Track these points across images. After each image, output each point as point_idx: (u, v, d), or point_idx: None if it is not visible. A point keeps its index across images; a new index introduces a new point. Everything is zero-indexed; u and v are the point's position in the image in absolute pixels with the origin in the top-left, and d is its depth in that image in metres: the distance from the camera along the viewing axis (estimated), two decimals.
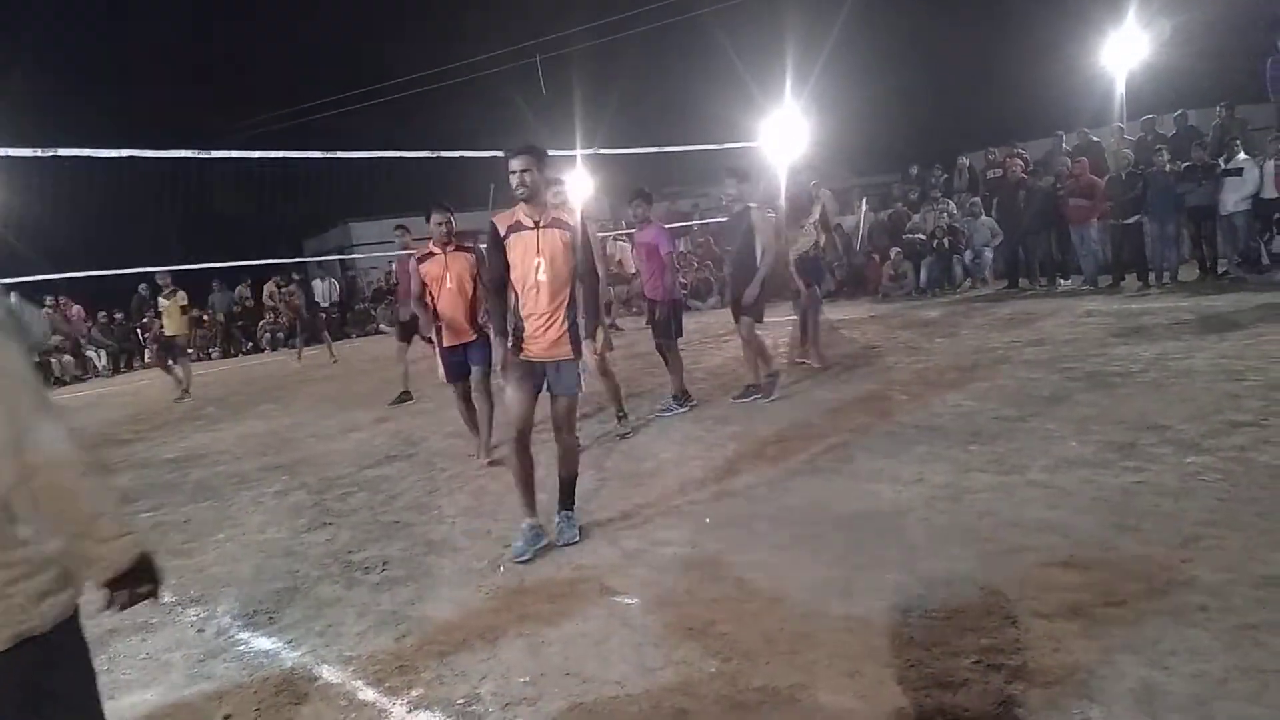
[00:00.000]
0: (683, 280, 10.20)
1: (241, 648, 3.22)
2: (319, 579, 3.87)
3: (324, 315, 17.38)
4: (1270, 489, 3.45)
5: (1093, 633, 2.51)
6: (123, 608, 1.64)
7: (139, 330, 18.88)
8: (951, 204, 14.67)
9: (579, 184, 13.49)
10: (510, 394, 3.84)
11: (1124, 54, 13.76)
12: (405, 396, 8.59)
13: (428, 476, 5.52)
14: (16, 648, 1.39)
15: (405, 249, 8.95)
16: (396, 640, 3.10)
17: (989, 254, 13.54)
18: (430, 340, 6.00)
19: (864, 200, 16.13)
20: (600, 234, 5.43)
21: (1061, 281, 11.95)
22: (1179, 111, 12.75)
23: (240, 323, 20.10)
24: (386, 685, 2.77)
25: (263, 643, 3.24)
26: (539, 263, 3.75)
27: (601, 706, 2.48)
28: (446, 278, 5.49)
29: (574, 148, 13.00)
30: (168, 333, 11.62)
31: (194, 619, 3.57)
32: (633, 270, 12.46)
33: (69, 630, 1.54)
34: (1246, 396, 4.86)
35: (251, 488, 5.85)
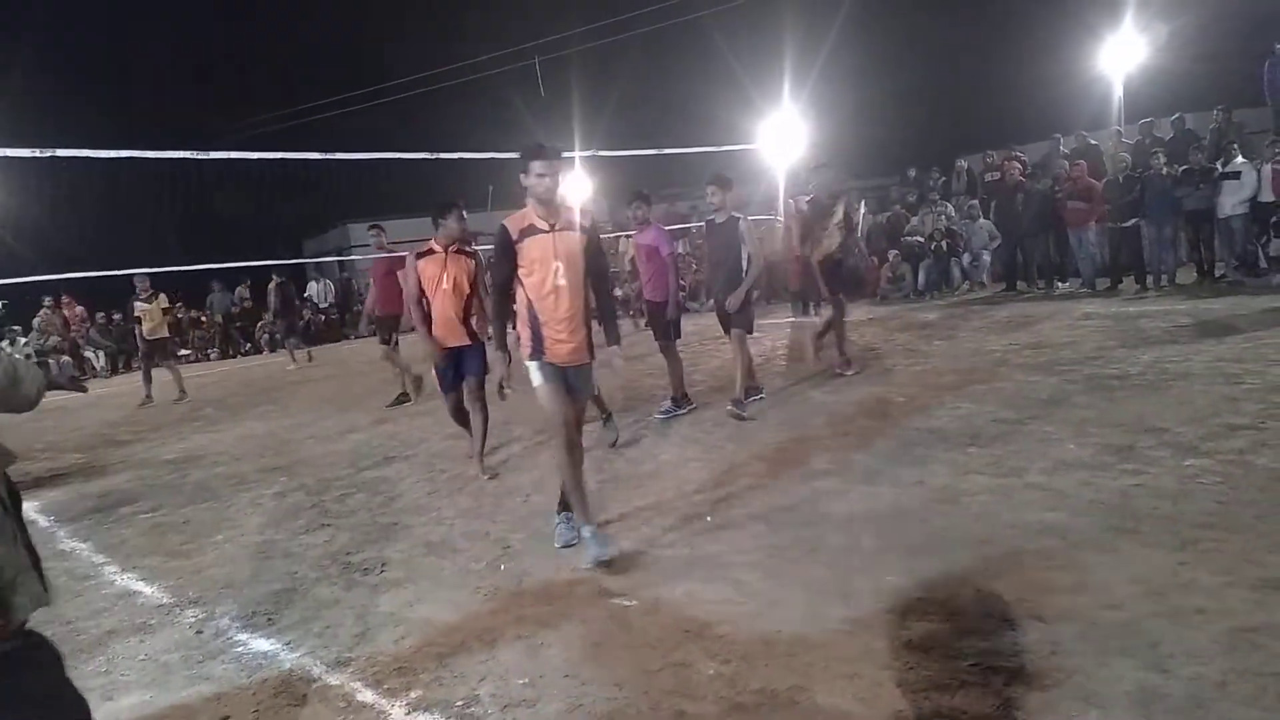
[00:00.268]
0: (682, 282, 10.19)
1: (240, 649, 3.22)
2: (317, 580, 3.87)
3: (302, 315, 17.27)
4: (1268, 492, 3.45)
5: (1091, 635, 2.51)
6: None
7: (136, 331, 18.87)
8: (950, 206, 14.70)
9: (578, 186, 13.49)
10: (549, 401, 3.67)
11: (1121, 57, 13.83)
12: (404, 398, 8.59)
13: (427, 478, 5.52)
14: None
15: (380, 250, 8.89)
16: (395, 642, 3.10)
17: (987, 256, 13.57)
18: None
19: (862, 203, 16.13)
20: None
21: (1059, 284, 11.98)
22: (1176, 115, 12.78)
23: (239, 324, 20.10)
24: (385, 687, 2.77)
25: (261, 644, 3.24)
26: (557, 266, 3.63)
27: (600, 708, 2.48)
28: (444, 278, 5.29)
29: (572, 149, 13.00)
30: (149, 336, 11.40)
31: (192, 620, 3.56)
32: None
33: None
34: (1244, 400, 4.87)
35: (250, 489, 5.85)
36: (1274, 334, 6.64)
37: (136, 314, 11.45)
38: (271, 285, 15.32)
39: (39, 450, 8.56)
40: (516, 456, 5.85)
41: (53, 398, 12.37)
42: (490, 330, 3.92)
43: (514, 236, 3.64)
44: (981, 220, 13.51)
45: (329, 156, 8.73)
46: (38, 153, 6.50)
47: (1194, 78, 14.55)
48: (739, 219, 6.24)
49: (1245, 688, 2.17)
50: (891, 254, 13.95)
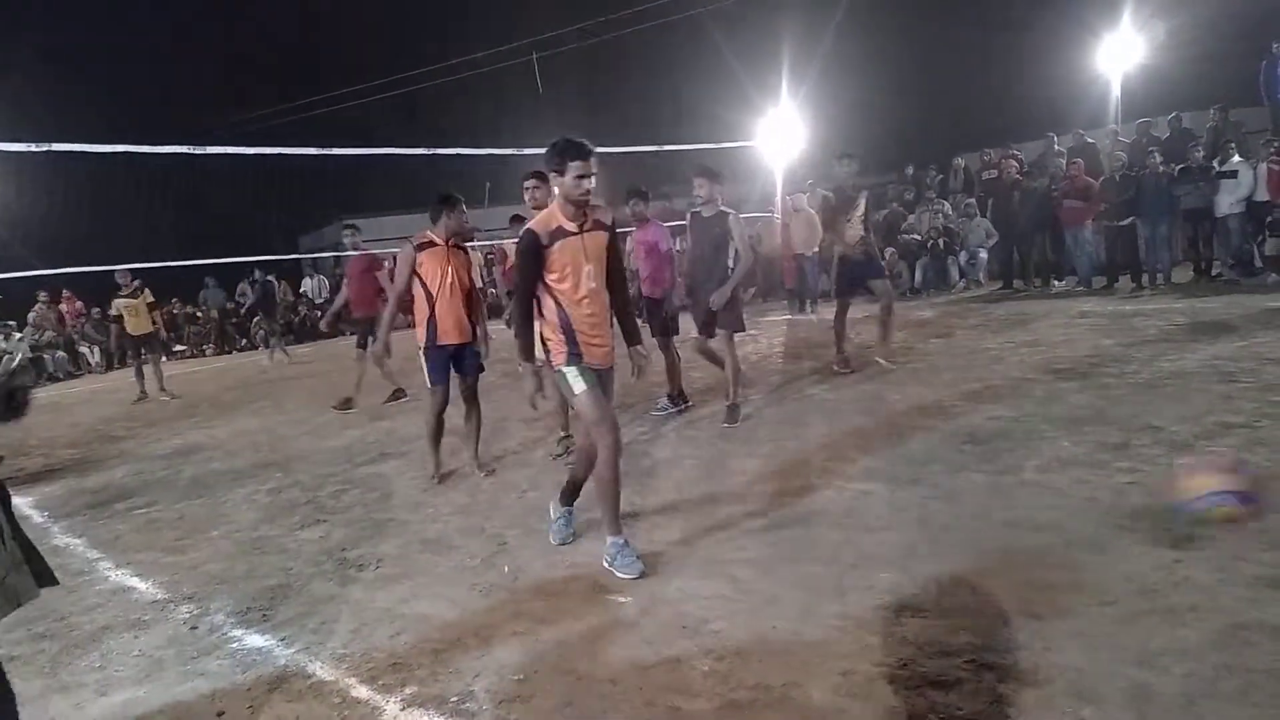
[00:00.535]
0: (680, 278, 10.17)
1: (235, 645, 3.22)
2: (312, 576, 3.86)
3: (297, 312, 17.20)
4: (1262, 491, 3.46)
5: (1084, 632, 2.52)
6: None
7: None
8: (947, 205, 14.70)
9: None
10: (595, 407, 3.44)
11: (1119, 56, 13.83)
12: (399, 394, 8.54)
13: (422, 474, 5.50)
14: None
15: (354, 249, 8.83)
16: (390, 638, 3.10)
17: (984, 255, 13.59)
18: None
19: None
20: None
21: (1056, 283, 12.00)
22: (1173, 114, 12.80)
23: (234, 320, 20.05)
24: (380, 683, 2.77)
25: (256, 640, 3.24)
26: (589, 269, 3.47)
27: (595, 704, 2.48)
28: (448, 272, 5.12)
29: None
30: (134, 332, 11.17)
31: (187, 616, 3.56)
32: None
33: None
34: (1239, 398, 4.88)
35: (245, 485, 5.84)
36: (1269, 333, 6.66)
37: (116, 310, 11.25)
38: (245, 283, 15.21)
39: (33, 446, 8.54)
40: (511, 453, 5.85)
41: (47, 392, 12.31)
42: (513, 335, 3.66)
43: (544, 240, 3.40)
44: (978, 218, 13.52)
45: (326, 152, 8.69)
46: (33, 147, 6.47)
47: (1191, 77, 14.54)
48: (728, 214, 5.91)
49: (1236, 684, 2.18)
50: (888, 252, 13.93)
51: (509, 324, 3.86)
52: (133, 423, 9.61)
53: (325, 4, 30.40)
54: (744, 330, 6.15)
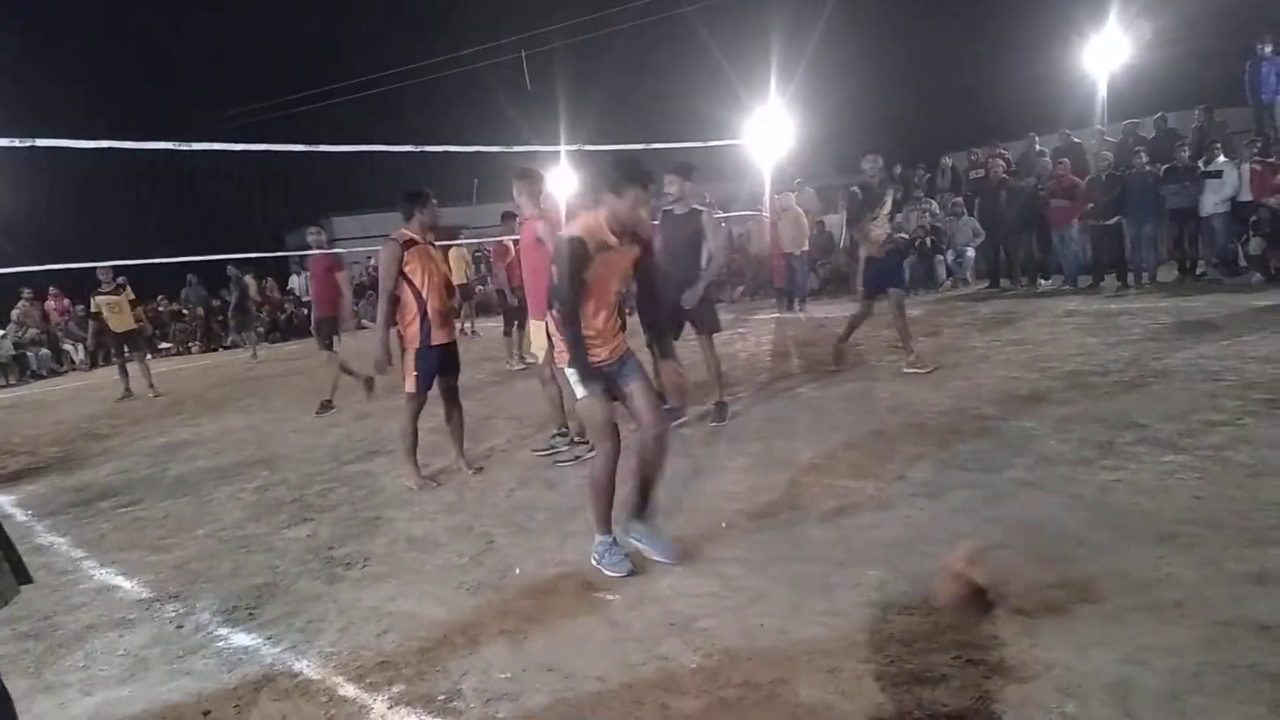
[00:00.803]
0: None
1: (221, 644, 3.19)
2: (299, 575, 3.84)
3: (283, 309, 17.06)
4: (1246, 488, 3.49)
5: (1070, 629, 2.54)
6: None
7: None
8: (934, 204, 14.77)
9: (563, 181, 13.45)
10: (601, 414, 3.39)
11: (1105, 57, 13.90)
12: (369, 384, 8.29)
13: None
14: None
15: (319, 248, 8.81)
16: (377, 636, 3.09)
17: (971, 254, 13.66)
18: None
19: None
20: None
21: (1042, 281, 12.08)
22: (1159, 114, 12.89)
23: (220, 317, 19.92)
24: (367, 681, 2.75)
25: (242, 639, 3.22)
26: (615, 282, 3.46)
27: (583, 702, 2.48)
28: (435, 270, 5.01)
29: (558, 144, 12.95)
30: (117, 329, 11.09)
31: (173, 615, 3.53)
32: None
33: None
34: (1223, 396, 4.93)
35: (231, 483, 5.80)
36: (1253, 332, 6.72)
37: (96, 307, 11.16)
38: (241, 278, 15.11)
39: (16, 444, 8.46)
40: (499, 451, 5.83)
41: (31, 390, 12.19)
42: (563, 343, 3.44)
43: (592, 250, 3.31)
44: (965, 217, 13.58)
45: (312, 149, 8.63)
46: (16, 142, 6.40)
47: (1177, 77, 14.67)
48: (701, 211, 5.83)
49: (1220, 680, 2.20)
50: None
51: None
52: (117, 420, 9.54)
53: (313, 2, 30.25)
54: (720, 330, 6.07)
